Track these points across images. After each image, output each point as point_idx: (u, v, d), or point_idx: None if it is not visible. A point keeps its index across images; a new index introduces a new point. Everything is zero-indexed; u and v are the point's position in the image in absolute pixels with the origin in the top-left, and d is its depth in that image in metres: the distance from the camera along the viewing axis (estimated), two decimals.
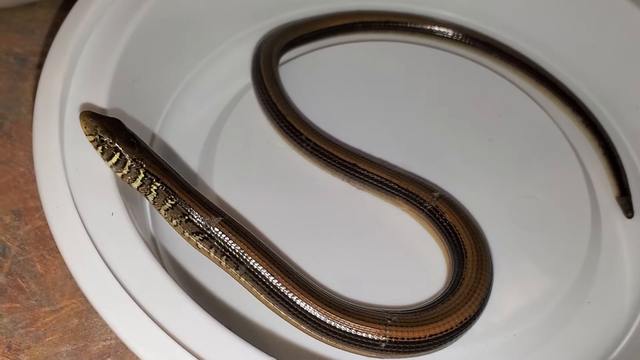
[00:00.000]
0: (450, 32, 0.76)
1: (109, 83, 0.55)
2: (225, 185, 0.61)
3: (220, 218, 0.51)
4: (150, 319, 0.43)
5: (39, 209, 0.61)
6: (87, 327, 0.55)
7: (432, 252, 0.59)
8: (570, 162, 0.67)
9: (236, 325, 0.53)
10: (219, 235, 0.50)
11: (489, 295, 0.55)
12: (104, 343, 0.54)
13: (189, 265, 0.56)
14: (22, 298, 0.56)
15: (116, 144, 0.50)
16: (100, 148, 0.50)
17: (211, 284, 0.55)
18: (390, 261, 0.58)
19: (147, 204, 0.59)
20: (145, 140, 0.55)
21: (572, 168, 0.66)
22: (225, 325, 0.50)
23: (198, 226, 0.50)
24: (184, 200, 0.51)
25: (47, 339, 0.54)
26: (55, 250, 0.58)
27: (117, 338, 0.53)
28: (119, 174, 0.51)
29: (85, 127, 0.50)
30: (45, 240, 0.59)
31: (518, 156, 0.67)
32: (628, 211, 0.65)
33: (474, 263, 0.55)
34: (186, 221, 0.51)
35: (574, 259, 0.60)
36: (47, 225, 0.48)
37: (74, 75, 0.55)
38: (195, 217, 0.50)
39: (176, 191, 0.51)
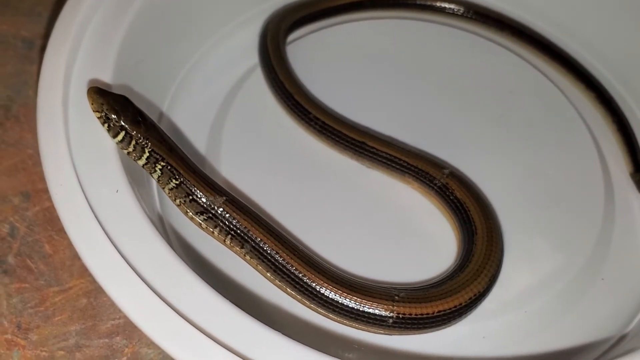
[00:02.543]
0: (460, 9, 0.75)
1: (113, 63, 0.54)
2: (233, 165, 0.60)
3: (225, 197, 0.50)
4: (156, 295, 0.43)
5: (47, 190, 0.60)
6: (96, 307, 0.55)
7: (442, 229, 0.58)
8: (583, 138, 0.66)
9: (244, 302, 0.53)
10: (223, 215, 0.50)
11: (499, 272, 0.54)
12: (113, 322, 0.54)
13: (197, 243, 0.56)
14: (31, 278, 0.56)
15: (122, 122, 0.50)
16: (106, 125, 0.50)
17: (219, 261, 0.55)
18: (399, 239, 0.58)
19: (154, 183, 0.59)
20: (153, 118, 0.54)
21: (585, 144, 0.65)
22: (233, 303, 0.51)
23: (202, 206, 0.50)
24: (188, 180, 0.50)
25: (56, 319, 0.54)
26: (63, 231, 0.58)
27: (125, 317, 0.53)
28: (125, 151, 0.51)
29: (92, 104, 0.50)
30: (53, 221, 0.59)
31: (530, 133, 0.66)
32: None
33: (484, 240, 0.54)
34: (190, 201, 0.50)
35: (587, 235, 0.59)
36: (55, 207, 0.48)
37: (78, 55, 0.54)
38: (199, 197, 0.50)
39: (181, 171, 0.50)
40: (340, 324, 0.51)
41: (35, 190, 0.61)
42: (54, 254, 0.58)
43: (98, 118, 0.50)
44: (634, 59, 0.70)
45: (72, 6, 0.57)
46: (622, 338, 0.55)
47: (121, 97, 0.51)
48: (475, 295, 0.51)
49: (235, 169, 0.60)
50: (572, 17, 0.74)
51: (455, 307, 0.50)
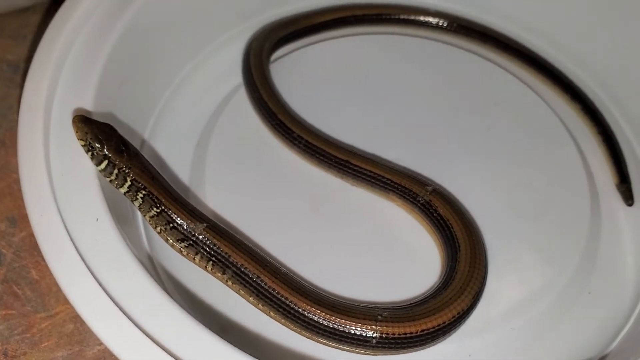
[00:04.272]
0: (444, 22, 0.75)
1: (95, 87, 0.55)
2: (218, 186, 0.60)
3: (205, 224, 0.51)
4: (135, 326, 0.43)
5: None
6: (82, 332, 0.55)
7: (426, 246, 0.58)
8: (568, 150, 0.66)
9: (228, 328, 0.53)
10: (203, 241, 0.50)
11: (483, 289, 0.54)
12: (99, 347, 0.55)
13: (187, 278, 0.56)
14: (18, 305, 0.56)
15: (105, 151, 0.50)
16: (90, 153, 0.51)
17: (202, 287, 0.55)
18: (384, 257, 0.58)
19: (139, 216, 0.59)
20: (136, 144, 0.55)
21: (571, 156, 0.65)
22: (217, 328, 0.51)
23: (183, 233, 0.51)
24: (169, 209, 0.51)
25: (43, 345, 0.54)
26: None
27: None
28: (107, 179, 0.51)
29: (77, 132, 0.50)
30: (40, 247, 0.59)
31: (516, 145, 0.66)
32: (628, 199, 0.64)
33: (468, 256, 0.54)
34: (171, 228, 0.51)
35: (574, 248, 0.59)
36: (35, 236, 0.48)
37: (60, 79, 0.55)
38: (180, 224, 0.51)
39: (162, 199, 0.51)
40: (326, 346, 0.51)
41: (22, 215, 0.61)
42: (40, 279, 0.58)
43: (82, 146, 0.51)
44: (618, 70, 0.71)
45: (54, 30, 0.57)
46: (605, 356, 0.55)
47: (106, 126, 0.52)
48: (459, 313, 0.51)
49: (220, 189, 0.60)
50: (556, 29, 0.74)
51: (439, 325, 0.50)
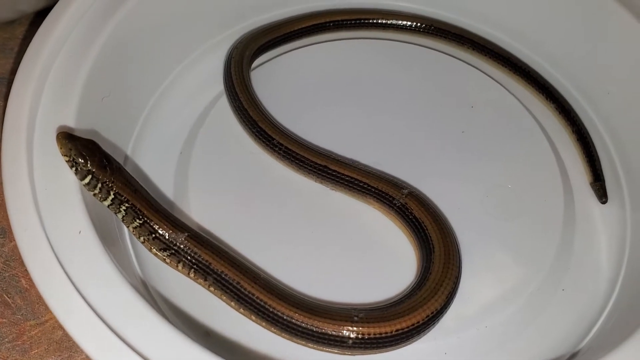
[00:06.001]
0: (421, 25, 0.76)
1: (78, 101, 0.56)
2: (201, 194, 0.62)
3: (186, 234, 0.53)
4: (119, 339, 0.44)
5: None
6: (71, 339, 0.57)
7: (403, 248, 0.60)
8: (543, 149, 0.67)
9: (212, 333, 0.55)
10: (185, 250, 0.52)
11: (457, 289, 0.55)
12: None
13: (171, 286, 0.57)
14: (8, 313, 0.58)
15: (89, 167, 0.52)
16: (74, 169, 0.52)
17: (187, 294, 0.56)
18: (362, 259, 0.59)
19: (127, 234, 0.60)
20: (119, 160, 0.56)
21: (546, 155, 0.66)
22: (201, 333, 0.52)
23: (165, 243, 0.53)
24: (151, 220, 0.53)
25: (33, 352, 0.56)
26: None
27: None
28: (92, 193, 0.53)
29: (61, 148, 0.52)
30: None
31: (491, 146, 0.67)
32: (602, 196, 0.65)
33: (441, 257, 0.56)
34: (153, 238, 0.53)
35: (548, 246, 0.61)
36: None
37: (43, 94, 0.56)
38: (162, 234, 0.53)
39: (144, 211, 0.53)
40: (305, 347, 0.52)
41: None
42: (30, 288, 0.60)
43: (66, 162, 0.52)
44: (593, 70, 0.72)
45: (37, 44, 0.58)
46: (577, 352, 0.57)
47: (90, 142, 0.54)
48: (432, 312, 0.53)
49: (203, 198, 0.62)
50: (531, 29, 0.75)
51: (413, 325, 0.52)
